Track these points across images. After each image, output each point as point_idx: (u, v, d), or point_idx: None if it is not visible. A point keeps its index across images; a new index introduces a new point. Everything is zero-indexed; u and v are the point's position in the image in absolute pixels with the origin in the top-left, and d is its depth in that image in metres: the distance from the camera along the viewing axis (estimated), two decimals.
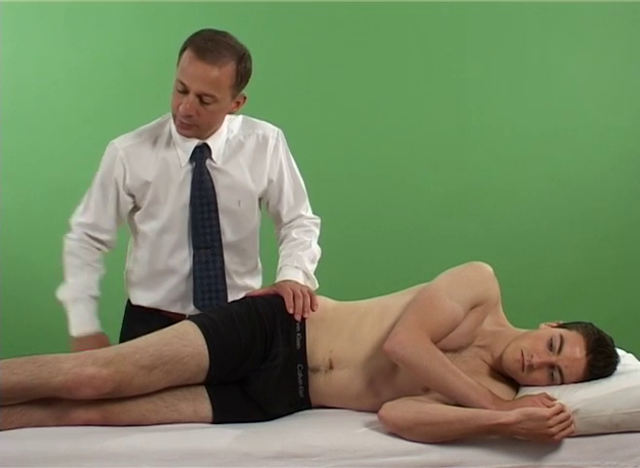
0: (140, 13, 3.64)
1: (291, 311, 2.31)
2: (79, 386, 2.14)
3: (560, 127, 3.74)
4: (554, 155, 3.74)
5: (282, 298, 2.34)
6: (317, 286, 2.53)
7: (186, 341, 2.21)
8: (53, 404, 2.20)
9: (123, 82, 3.67)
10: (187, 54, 2.30)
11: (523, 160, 3.75)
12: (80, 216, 2.55)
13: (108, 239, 2.55)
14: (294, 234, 2.58)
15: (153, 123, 2.52)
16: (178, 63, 2.33)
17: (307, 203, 2.64)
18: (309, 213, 2.64)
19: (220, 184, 2.45)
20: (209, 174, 2.44)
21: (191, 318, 2.32)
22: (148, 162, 2.44)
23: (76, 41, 3.65)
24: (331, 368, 2.32)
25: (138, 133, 2.50)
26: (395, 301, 2.35)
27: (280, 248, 2.59)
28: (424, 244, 3.74)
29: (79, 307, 2.47)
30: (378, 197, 3.74)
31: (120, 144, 2.47)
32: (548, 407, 2.06)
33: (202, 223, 2.44)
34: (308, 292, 2.37)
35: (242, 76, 2.34)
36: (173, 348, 2.19)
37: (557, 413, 2.04)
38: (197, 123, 2.35)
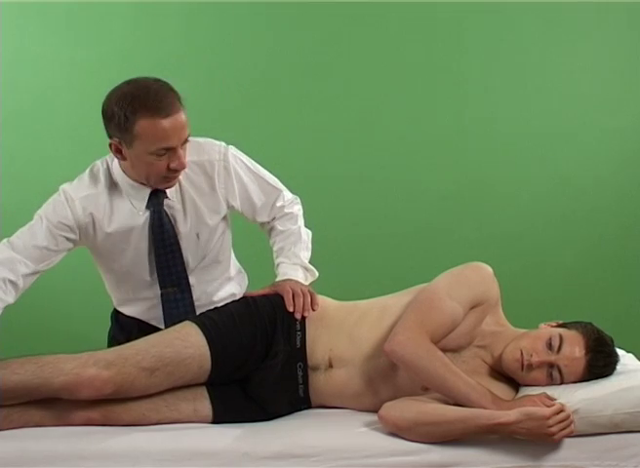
0: (141, 12, 3.63)
1: (291, 309, 2.31)
2: (80, 387, 2.14)
3: (560, 127, 3.73)
4: (554, 155, 3.74)
5: (282, 297, 2.34)
6: (317, 275, 2.53)
7: (188, 343, 2.22)
8: (52, 404, 2.20)
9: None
10: (148, 122, 2.17)
11: (523, 160, 3.75)
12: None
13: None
14: (279, 227, 2.56)
15: (97, 171, 2.40)
16: (127, 135, 2.21)
17: (281, 191, 2.56)
18: (286, 198, 2.57)
19: (180, 222, 2.42)
20: (167, 216, 2.40)
21: (193, 319, 2.31)
22: (105, 213, 2.37)
23: (77, 40, 3.64)
24: (330, 366, 2.32)
25: (88, 182, 2.38)
26: (395, 302, 2.35)
27: (271, 241, 2.58)
28: (424, 243, 3.74)
29: None
30: (377, 196, 3.74)
31: (76, 194, 2.36)
32: (548, 406, 2.06)
33: (167, 264, 2.42)
34: (309, 290, 2.37)
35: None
36: (175, 350, 2.20)
37: (557, 413, 2.04)
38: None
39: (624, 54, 3.72)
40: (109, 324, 2.71)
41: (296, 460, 2.08)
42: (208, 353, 2.22)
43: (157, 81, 2.24)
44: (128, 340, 2.31)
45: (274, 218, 2.57)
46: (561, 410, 2.05)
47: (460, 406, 2.11)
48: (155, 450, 2.09)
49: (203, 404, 2.25)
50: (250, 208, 2.52)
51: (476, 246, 3.67)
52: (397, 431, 2.12)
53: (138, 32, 3.65)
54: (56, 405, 2.20)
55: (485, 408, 2.09)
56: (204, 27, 3.66)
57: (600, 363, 2.21)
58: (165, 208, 2.39)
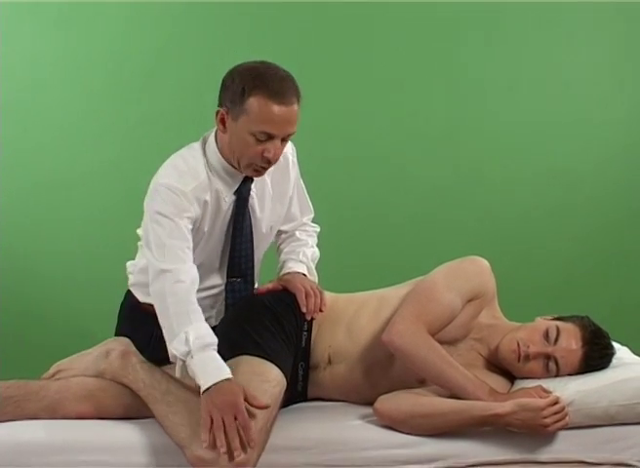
0: (134, 8, 3.62)
1: (304, 310, 2.29)
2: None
3: (556, 118, 3.72)
4: (550, 146, 3.73)
5: (294, 296, 2.31)
6: (316, 282, 2.52)
7: (273, 382, 2.12)
8: (46, 397, 2.21)
9: (119, 73, 3.66)
10: (262, 101, 2.12)
11: (519, 151, 3.74)
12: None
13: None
14: (297, 234, 2.53)
15: (191, 159, 2.28)
16: (237, 107, 2.14)
17: (312, 212, 2.57)
18: (312, 219, 2.59)
19: (257, 212, 2.37)
20: (249, 205, 2.35)
21: (251, 352, 2.17)
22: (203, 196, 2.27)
23: (70, 31, 3.61)
24: (329, 363, 2.32)
25: (194, 173, 2.26)
26: (393, 293, 2.35)
27: (281, 246, 2.54)
28: (420, 234, 3.73)
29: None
30: (373, 188, 3.72)
31: (186, 187, 2.22)
32: (543, 398, 2.06)
33: (239, 254, 2.36)
34: (318, 289, 2.35)
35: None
36: (269, 395, 2.09)
37: (552, 405, 2.04)
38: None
39: (619, 46, 3.71)
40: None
41: (291, 453, 2.09)
42: (284, 382, 2.16)
43: (286, 72, 2.20)
44: (146, 340, 2.29)
45: (295, 229, 2.55)
46: (556, 402, 2.05)
47: (455, 398, 2.11)
48: (151, 443, 2.10)
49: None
50: (288, 211, 2.49)
51: (472, 237, 3.66)
52: (392, 424, 2.12)
53: (130, 25, 3.64)
54: (49, 398, 2.21)
55: (481, 399, 2.09)
56: (195, 24, 3.66)
57: (596, 355, 2.22)
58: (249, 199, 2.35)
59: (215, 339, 2.06)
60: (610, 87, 3.72)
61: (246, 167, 2.23)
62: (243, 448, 1.95)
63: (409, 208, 3.73)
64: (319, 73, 3.65)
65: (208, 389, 1.99)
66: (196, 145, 2.31)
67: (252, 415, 1.99)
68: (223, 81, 2.21)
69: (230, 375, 2.01)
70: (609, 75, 3.73)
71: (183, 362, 2.04)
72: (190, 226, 2.21)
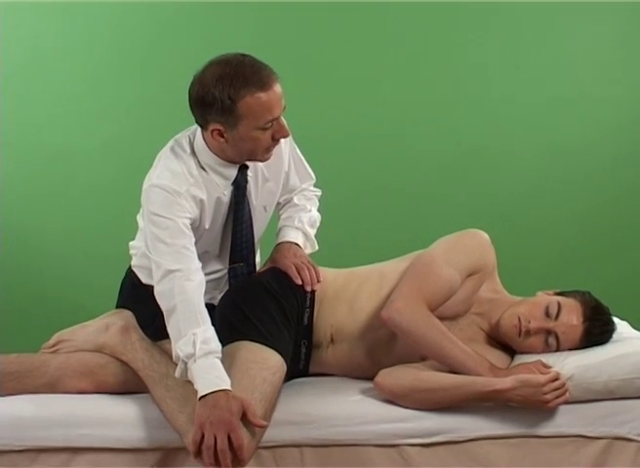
0: None
1: (299, 282, 2.28)
2: None
3: (556, 94, 3.71)
4: (551, 122, 3.72)
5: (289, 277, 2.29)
6: (317, 248, 2.50)
7: (272, 368, 2.10)
8: (46, 374, 2.22)
9: (119, 48, 3.64)
10: (254, 98, 2.08)
11: (520, 127, 3.73)
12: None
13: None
14: (295, 200, 2.51)
15: (184, 155, 2.24)
16: (231, 117, 2.10)
17: (313, 179, 2.55)
18: (312, 185, 2.57)
19: (252, 195, 2.35)
20: (247, 194, 2.33)
21: (250, 337, 2.15)
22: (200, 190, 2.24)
23: (71, 6, 3.60)
24: (332, 342, 2.31)
25: (182, 170, 2.22)
26: (392, 268, 2.34)
27: (280, 212, 2.53)
28: (420, 209, 3.73)
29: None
30: (373, 164, 3.71)
31: (180, 187, 2.19)
32: (544, 374, 2.06)
33: (239, 241, 2.34)
34: (309, 262, 2.34)
35: None
36: (270, 382, 2.08)
37: (552, 380, 2.05)
38: None
39: (619, 22, 3.70)
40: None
41: (292, 427, 2.09)
42: (285, 367, 2.15)
43: (244, 55, 2.15)
44: (149, 319, 2.27)
45: (294, 194, 2.53)
46: (556, 378, 2.06)
47: (456, 373, 2.11)
48: (151, 417, 2.10)
49: None
50: (287, 184, 2.47)
51: (472, 213, 3.66)
52: (393, 398, 2.13)
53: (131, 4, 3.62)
54: (50, 375, 2.22)
55: (481, 375, 2.09)
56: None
57: (597, 331, 2.22)
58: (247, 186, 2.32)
59: (219, 347, 2.02)
60: (611, 63, 3.71)
61: (263, 153, 2.21)
62: (233, 465, 1.92)
63: (408, 184, 3.72)
64: (321, 48, 3.63)
65: (204, 396, 1.95)
66: (184, 145, 2.25)
67: (249, 432, 1.96)
68: (199, 101, 2.12)
69: (229, 387, 1.97)
70: (610, 51, 3.71)
71: (185, 364, 2.01)
72: (189, 224, 2.18)
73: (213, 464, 1.92)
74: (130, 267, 2.47)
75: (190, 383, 2.01)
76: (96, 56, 3.63)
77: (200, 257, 2.17)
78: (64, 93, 3.63)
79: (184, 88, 2.18)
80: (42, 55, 3.61)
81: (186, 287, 2.07)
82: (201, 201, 2.22)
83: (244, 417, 1.95)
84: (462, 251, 2.29)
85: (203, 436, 1.92)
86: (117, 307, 2.46)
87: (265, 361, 2.09)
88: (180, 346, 2.02)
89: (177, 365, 2.04)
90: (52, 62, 3.62)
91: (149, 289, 2.23)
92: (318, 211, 2.55)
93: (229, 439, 1.92)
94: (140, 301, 2.36)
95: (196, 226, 2.23)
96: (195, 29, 3.63)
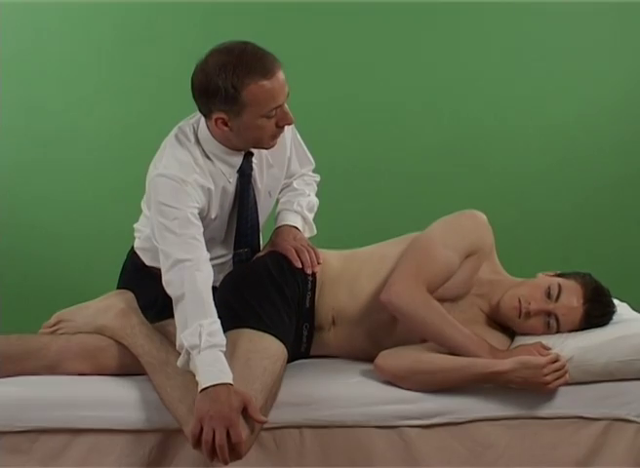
0: None
1: (299, 265, 2.26)
2: None
3: (557, 74, 3.70)
4: (551, 101, 3.72)
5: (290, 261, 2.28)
6: (315, 232, 2.50)
7: (274, 357, 2.09)
8: (46, 357, 2.22)
9: (120, 30, 3.62)
10: (258, 86, 2.07)
11: (520, 108, 3.72)
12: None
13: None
14: (294, 184, 2.51)
15: (189, 144, 2.23)
16: (235, 106, 2.08)
17: (312, 165, 2.54)
18: (312, 170, 2.56)
19: (257, 181, 2.34)
20: (252, 181, 2.32)
21: (251, 325, 2.14)
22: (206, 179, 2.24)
23: None
24: (333, 324, 2.31)
25: (188, 159, 2.21)
26: (392, 250, 2.33)
27: (279, 196, 2.51)
28: (420, 191, 3.73)
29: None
30: (372, 143, 3.71)
31: (188, 177, 2.17)
32: (543, 356, 2.07)
33: (245, 227, 2.34)
34: (308, 245, 2.33)
35: None
36: (271, 370, 2.07)
37: (552, 362, 2.04)
38: None
39: (622, 4, 3.68)
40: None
41: (292, 409, 2.09)
42: (286, 353, 2.14)
43: (246, 43, 2.13)
44: (151, 301, 2.27)
45: (293, 179, 2.52)
46: (556, 360, 2.06)
47: (456, 355, 2.12)
48: (151, 399, 2.10)
49: None
50: (288, 170, 2.46)
51: (473, 195, 3.66)
52: (393, 379, 2.13)
53: None
54: (49, 358, 2.22)
55: (481, 357, 2.09)
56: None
57: (597, 312, 2.22)
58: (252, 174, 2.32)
59: (224, 341, 2.01)
60: (611, 42, 3.70)
61: (269, 141, 2.20)
62: (230, 459, 1.93)
63: (409, 165, 3.72)
64: (321, 27, 3.62)
65: (206, 389, 1.94)
66: (189, 134, 2.24)
67: (249, 427, 1.95)
68: (203, 91, 2.10)
69: (231, 381, 1.95)
70: (610, 30, 3.70)
71: (189, 354, 2.00)
72: (197, 213, 2.17)
73: (211, 458, 1.92)
74: (132, 249, 2.47)
75: (191, 372, 2.01)
76: (97, 36, 3.62)
77: (206, 243, 2.16)
78: (66, 74, 3.63)
79: (190, 66, 2.16)
80: (42, 36, 3.60)
81: (196, 277, 2.06)
82: (208, 190, 2.21)
83: (244, 412, 1.95)
84: (460, 232, 2.28)
85: (202, 429, 1.92)
86: (118, 288, 2.46)
87: (266, 350, 2.08)
88: (185, 336, 2.00)
89: (178, 352, 2.04)
90: (51, 45, 3.62)
91: (152, 270, 2.22)
92: (316, 195, 2.54)
93: (228, 434, 1.91)
94: (142, 283, 2.35)
95: (203, 216, 2.22)
96: (197, 16, 3.62)
